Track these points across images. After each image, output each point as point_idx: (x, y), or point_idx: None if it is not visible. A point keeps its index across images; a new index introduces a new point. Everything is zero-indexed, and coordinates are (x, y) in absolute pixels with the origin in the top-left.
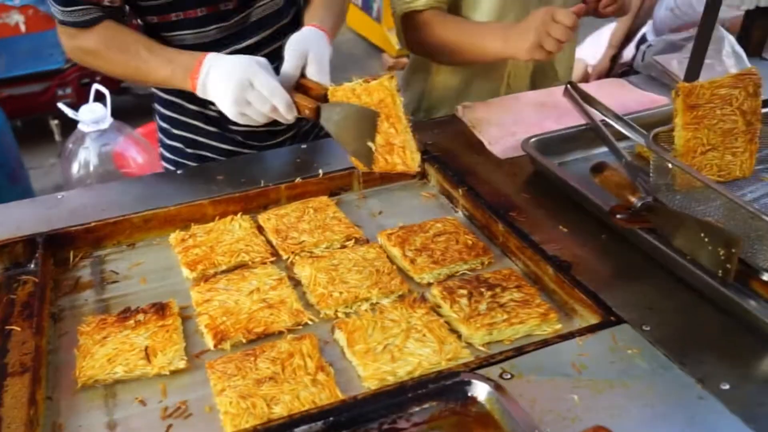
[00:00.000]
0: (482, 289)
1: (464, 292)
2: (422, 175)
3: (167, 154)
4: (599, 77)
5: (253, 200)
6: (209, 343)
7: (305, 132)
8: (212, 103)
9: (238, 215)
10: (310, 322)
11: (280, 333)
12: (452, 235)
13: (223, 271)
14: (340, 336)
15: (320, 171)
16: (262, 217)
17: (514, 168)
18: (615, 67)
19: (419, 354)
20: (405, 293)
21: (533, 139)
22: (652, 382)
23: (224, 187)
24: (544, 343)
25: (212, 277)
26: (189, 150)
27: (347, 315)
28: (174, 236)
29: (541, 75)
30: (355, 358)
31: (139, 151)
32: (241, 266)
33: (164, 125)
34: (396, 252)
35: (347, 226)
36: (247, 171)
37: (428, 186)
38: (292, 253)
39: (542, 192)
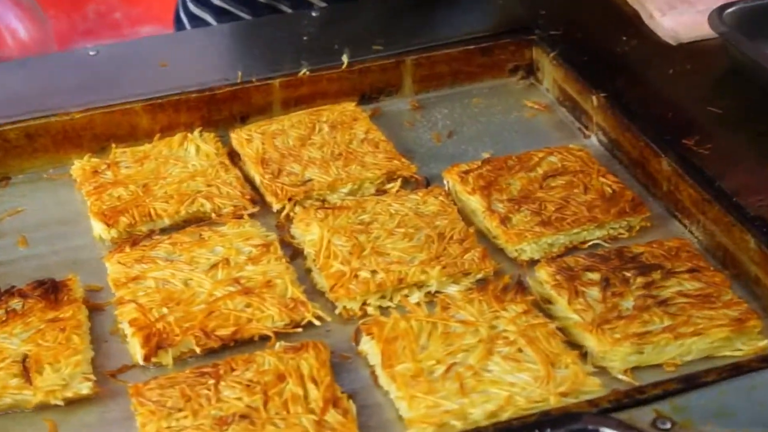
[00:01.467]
0: (628, 273)
1: (595, 276)
2: (528, 70)
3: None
4: None
5: (221, 105)
6: (136, 353)
7: None
8: None
9: (195, 132)
10: (317, 322)
11: (264, 339)
12: (578, 176)
13: (164, 229)
14: (369, 347)
15: (344, 57)
16: (237, 136)
17: (694, 59)
18: None
19: (509, 383)
20: (488, 276)
21: (731, 9)
22: None
23: (173, 80)
24: (736, 369)
25: (145, 239)
26: None
27: (383, 311)
28: (80, 165)
29: None
30: (395, 385)
31: (24, 19)
32: (198, 221)
33: None
34: (476, 203)
35: (389, 155)
36: (212, 52)
37: (538, 89)
38: (290, 200)
39: (744, 103)
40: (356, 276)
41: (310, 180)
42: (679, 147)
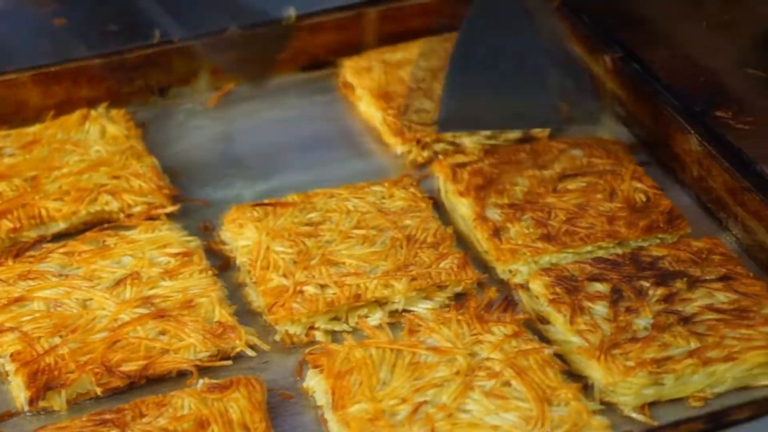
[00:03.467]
0: (645, 283)
1: (604, 287)
2: None
3: None
4: None
5: (134, 74)
6: (19, 395)
7: None
8: None
9: (100, 108)
10: (251, 352)
11: (184, 375)
12: (605, 178)
13: (59, 235)
14: (317, 383)
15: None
16: (354, 65)
17: (733, 8)
18: None
19: (492, 426)
20: (470, 290)
21: None
22: None
23: (71, 42)
24: None
25: (30, 249)
26: None
27: (335, 337)
28: None
29: None
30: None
31: None
32: (101, 223)
33: None
34: (467, 208)
35: None
36: (123, 4)
37: None
38: (418, 142)
39: None
40: (301, 292)
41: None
42: (713, 121)
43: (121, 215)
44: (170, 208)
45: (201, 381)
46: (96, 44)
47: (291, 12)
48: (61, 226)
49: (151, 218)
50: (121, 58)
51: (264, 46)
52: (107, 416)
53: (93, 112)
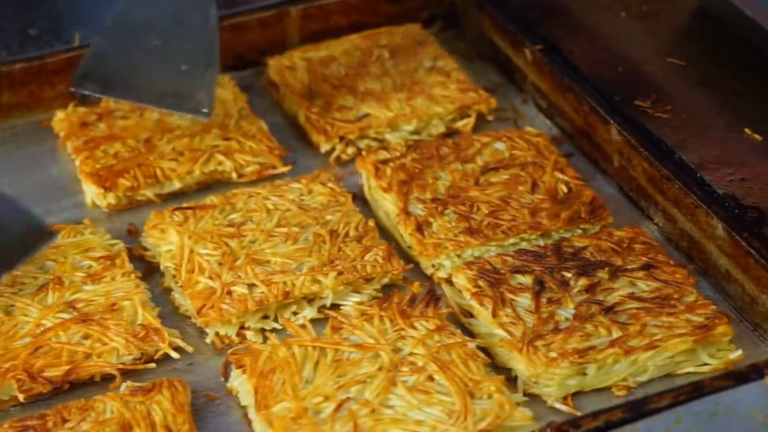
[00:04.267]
0: (568, 273)
1: (527, 279)
2: (449, 20)
3: None
4: None
5: (54, 78)
6: None
7: None
8: None
9: None
10: (175, 354)
11: (109, 379)
12: (527, 170)
13: (173, 195)
14: (240, 383)
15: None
16: (276, 64)
17: (645, 2)
18: None
19: (416, 421)
20: (397, 280)
21: None
22: None
23: None
24: (695, 391)
25: None
26: None
27: (263, 336)
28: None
29: None
30: (272, 431)
31: None
32: (213, 184)
33: None
34: (390, 204)
35: (464, 86)
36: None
37: (461, 41)
38: (341, 139)
39: (712, 53)
40: (230, 293)
41: (366, 115)
42: (632, 110)
43: (234, 175)
44: (281, 169)
45: (125, 384)
46: (16, 49)
47: (213, 11)
48: (176, 185)
49: (263, 178)
50: (42, 63)
51: None
52: (30, 423)
53: None
